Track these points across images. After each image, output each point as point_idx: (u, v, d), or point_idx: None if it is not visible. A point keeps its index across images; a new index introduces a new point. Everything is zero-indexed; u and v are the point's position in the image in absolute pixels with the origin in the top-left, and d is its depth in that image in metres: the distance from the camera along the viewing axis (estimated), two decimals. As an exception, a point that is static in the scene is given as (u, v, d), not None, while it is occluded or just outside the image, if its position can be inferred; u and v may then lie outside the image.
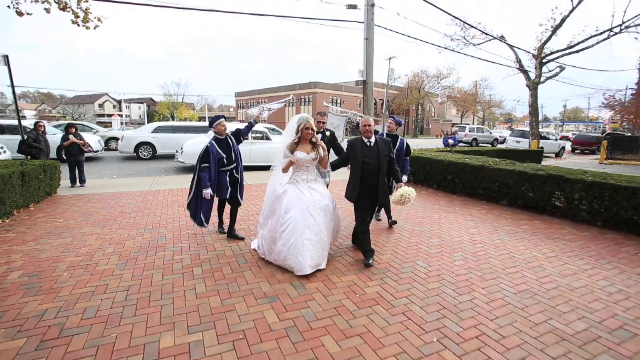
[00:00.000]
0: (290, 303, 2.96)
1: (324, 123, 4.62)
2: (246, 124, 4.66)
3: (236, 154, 4.37)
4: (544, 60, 15.87)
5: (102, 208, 5.99)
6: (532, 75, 16.25)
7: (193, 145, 10.51)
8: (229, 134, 4.36)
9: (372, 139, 3.78)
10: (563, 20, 14.89)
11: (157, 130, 13.76)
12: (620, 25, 13.76)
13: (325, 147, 3.74)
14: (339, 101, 43.40)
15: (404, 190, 3.74)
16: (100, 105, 66.19)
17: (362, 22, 9.81)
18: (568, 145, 25.32)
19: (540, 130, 18.40)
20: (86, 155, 8.25)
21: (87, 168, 8.96)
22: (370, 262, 3.74)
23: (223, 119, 4.27)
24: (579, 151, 24.56)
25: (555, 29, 15.00)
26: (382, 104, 39.51)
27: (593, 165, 15.96)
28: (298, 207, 3.48)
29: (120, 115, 46.91)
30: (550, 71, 16.81)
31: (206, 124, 15.71)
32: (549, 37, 15.32)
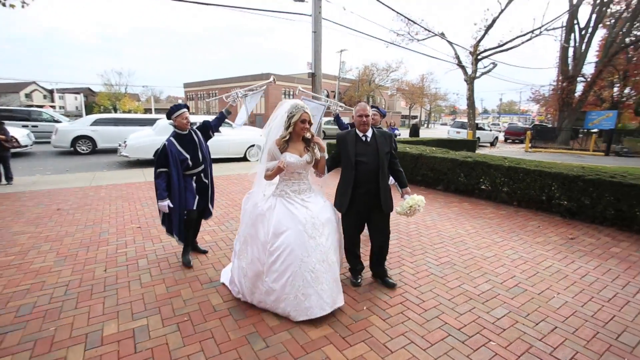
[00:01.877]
0: (235, 286, 3.14)
1: None
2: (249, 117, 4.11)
3: (204, 154, 3.51)
4: (479, 57, 17.26)
5: (35, 206, 5.63)
6: (469, 71, 17.61)
7: (138, 139, 10.05)
8: (194, 128, 3.54)
9: (369, 133, 3.02)
10: (494, 21, 16.30)
11: (97, 122, 12.87)
12: (540, 28, 15.41)
13: (323, 145, 2.82)
14: (291, 93, 43.33)
15: (413, 201, 2.95)
16: (28, 95, 59.38)
17: (310, 15, 9.98)
18: (501, 136, 27.84)
19: (478, 121, 20.02)
20: (13, 150, 7.58)
21: (15, 164, 8.24)
22: (357, 281, 3.21)
23: (185, 110, 3.36)
24: (510, 140, 27.13)
25: (488, 29, 16.39)
26: (334, 96, 40.14)
27: (519, 153, 17.80)
28: (292, 228, 2.55)
29: (53, 107, 42.56)
30: (485, 67, 18.32)
31: (153, 116, 14.98)
32: (482, 36, 16.70)
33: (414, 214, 2.98)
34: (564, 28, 20.14)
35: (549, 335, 2.53)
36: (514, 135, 27.03)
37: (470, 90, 17.89)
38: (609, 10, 20.30)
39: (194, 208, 3.47)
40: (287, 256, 2.53)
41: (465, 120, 24.97)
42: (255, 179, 2.86)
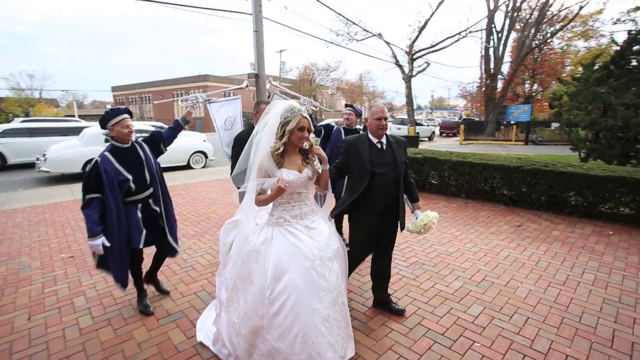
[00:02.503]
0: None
1: None
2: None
3: (153, 174, 2.70)
4: (414, 57, 18.22)
5: None
6: (406, 70, 18.50)
7: (61, 151, 8.76)
8: (139, 140, 2.74)
9: (384, 139, 2.61)
10: (426, 23, 17.34)
11: (5, 133, 11.02)
12: (465, 30, 16.76)
13: (324, 156, 2.19)
14: (231, 94, 41.90)
15: (428, 218, 2.54)
16: None
17: (251, 14, 9.56)
18: (437, 130, 29.89)
19: (415, 117, 21.17)
20: None
21: None
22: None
23: (127, 117, 2.58)
24: (445, 134, 29.20)
25: (421, 30, 17.39)
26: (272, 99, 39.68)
27: (456, 146, 19.16)
28: (297, 267, 1.98)
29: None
30: (419, 66, 19.39)
31: (76, 123, 13.24)
32: (416, 37, 17.67)
33: (427, 231, 2.58)
34: (484, 31, 22.15)
35: (525, 328, 2.61)
36: (448, 129, 29.12)
37: (408, 88, 18.80)
38: (518, 16, 22.76)
39: (141, 246, 2.65)
40: (294, 305, 1.92)
41: (403, 116, 26.32)
42: (243, 204, 2.15)
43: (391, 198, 2.57)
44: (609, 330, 2.59)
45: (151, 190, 2.71)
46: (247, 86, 3.56)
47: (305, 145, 2.11)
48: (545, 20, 21.80)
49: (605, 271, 3.55)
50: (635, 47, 9.51)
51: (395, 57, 18.29)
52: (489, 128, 23.42)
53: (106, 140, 9.21)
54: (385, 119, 2.55)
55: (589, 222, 5.14)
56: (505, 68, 24.99)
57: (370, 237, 2.63)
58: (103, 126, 2.60)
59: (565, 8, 20.83)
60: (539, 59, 27.05)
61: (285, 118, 2.04)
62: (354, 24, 15.95)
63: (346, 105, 4.10)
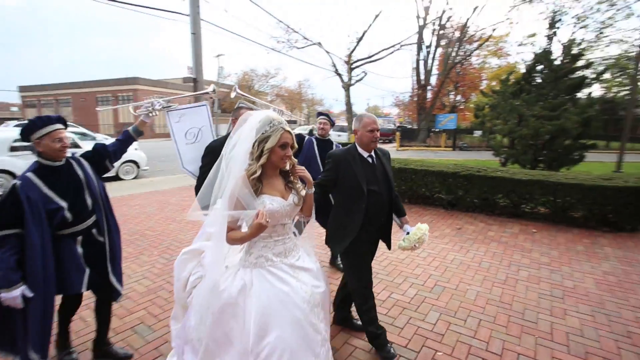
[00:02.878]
0: None
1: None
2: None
3: (96, 197, 2.12)
4: (353, 67, 18.91)
5: None
6: (345, 78, 19.11)
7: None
8: (76, 156, 2.17)
9: (373, 152, 2.36)
10: (364, 34, 18.15)
11: None
12: (399, 43, 17.91)
13: (309, 177, 1.79)
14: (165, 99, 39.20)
15: (421, 231, 2.31)
16: None
17: (188, 15, 9.01)
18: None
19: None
20: None
21: None
22: (392, 351, 2.35)
23: (60, 127, 2.00)
24: (381, 141, 30.76)
25: (359, 41, 18.15)
26: (213, 103, 38.17)
27: (392, 151, 20.19)
28: (287, 319, 1.59)
29: None
30: (357, 75, 20.17)
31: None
32: (354, 47, 18.39)
33: (421, 245, 2.34)
34: (415, 45, 23.88)
35: (479, 330, 2.71)
36: (384, 136, 30.66)
37: (348, 96, 19.42)
38: (444, 34, 24.98)
39: (83, 290, 2.05)
40: None
41: (342, 123, 27.12)
42: (211, 241, 1.76)
43: (385, 217, 2.38)
44: (547, 323, 2.81)
45: (94, 218, 2.11)
46: (214, 91, 2.97)
47: (287, 165, 1.73)
48: (466, 39, 24.23)
49: (536, 267, 3.92)
50: (538, 67, 10.96)
51: (334, 66, 18.82)
52: (421, 135, 25.20)
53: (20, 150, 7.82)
54: (378, 130, 2.29)
55: (516, 221, 5.69)
56: (434, 80, 27.19)
57: (368, 262, 2.40)
58: (26, 138, 1.97)
59: (481, 29, 23.39)
60: (461, 73, 29.98)
61: (263, 133, 1.62)
62: (295, 31, 16.05)
63: (320, 114, 3.68)
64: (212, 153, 2.41)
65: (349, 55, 18.64)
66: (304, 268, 1.74)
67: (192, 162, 2.93)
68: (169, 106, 2.71)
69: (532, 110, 9.85)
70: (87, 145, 9.22)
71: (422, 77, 25.43)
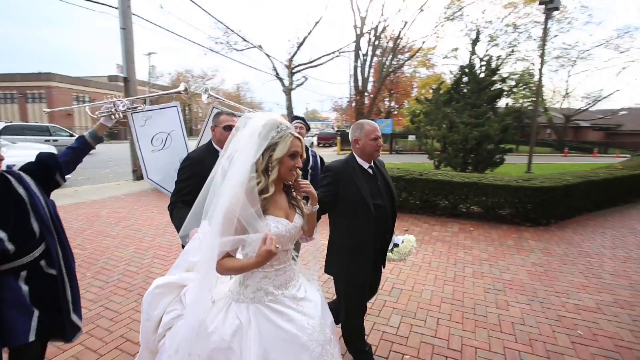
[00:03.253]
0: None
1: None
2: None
3: (44, 220, 1.67)
4: (294, 71, 18.96)
5: None
6: (286, 83, 19.08)
7: None
8: (14, 170, 1.67)
9: (372, 163, 2.22)
10: (304, 40, 18.33)
11: None
12: (338, 50, 18.43)
13: (314, 192, 1.58)
14: (87, 99, 35.23)
15: (410, 244, 2.31)
16: None
17: (117, 8, 8.18)
18: (315, 140, 31.88)
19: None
20: None
21: None
22: None
23: None
24: (322, 144, 31.34)
25: (299, 46, 18.28)
26: (144, 104, 35.30)
27: (334, 155, 20.66)
28: None
29: None
30: (297, 80, 20.28)
31: None
32: (295, 52, 18.47)
33: (408, 258, 2.31)
34: (353, 52, 24.75)
35: (439, 329, 2.85)
36: (325, 140, 31.34)
37: (289, 100, 19.40)
38: (379, 43, 26.34)
39: (32, 338, 1.56)
40: None
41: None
42: (196, 270, 1.51)
43: (388, 233, 2.23)
44: (495, 316, 3.07)
45: (42, 247, 1.66)
46: (186, 90, 2.52)
47: (293, 180, 1.47)
48: (398, 49, 25.86)
49: (478, 263, 4.27)
50: (464, 79, 12.12)
51: (275, 69, 18.66)
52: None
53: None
54: (381, 137, 2.15)
55: (455, 221, 6.17)
56: (371, 87, 28.50)
57: (367, 281, 2.19)
58: None
59: (412, 41, 25.20)
60: (394, 81, 31.93)
61: (271, 141, 1.35)
62: (234, 32, 15.56)
63: (295, 118, 3.35)
64: (193, 165, 2.12)
65: (290, 60, 18.69)
66: (307, 299, 1.48)
67: (158, 172, 2.54)
68: (135, 107, 2.31)
69: (461, 118, 10.85)
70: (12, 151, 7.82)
71: (360, 83, 26.49)
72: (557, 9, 11.35)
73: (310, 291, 1.54)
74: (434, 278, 3.82)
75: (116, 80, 36.42)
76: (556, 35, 23.91)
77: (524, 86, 26.30)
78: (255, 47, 17.28)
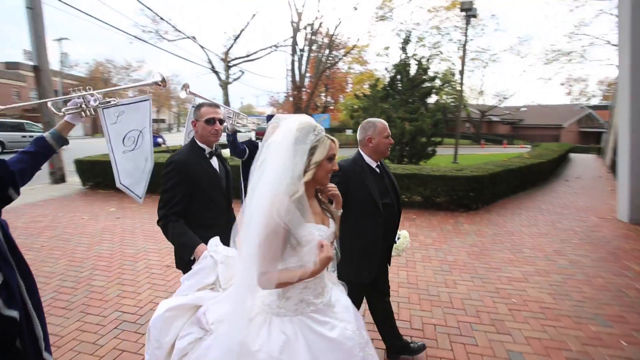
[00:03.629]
0: None
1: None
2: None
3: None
4: (230, 64, 18.28)
5: None
6: (223, 76, 18.32)
7: None
8: None
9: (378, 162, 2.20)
10: (241, 32, 17.73)
11: None
12: (276, 45, 18.25)
13: (339, 195, 1.55)
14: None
15: (406, 239, 2.37)
16: None
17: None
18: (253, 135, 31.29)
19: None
20: None
21: None
22: None
23: None
24: (260, 139, 30.74)
25: (236, 39, 17.62)
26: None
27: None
28: None
29: None
30: (234, 74, 19.61)
31: None
32: (231, 45, 17.79)
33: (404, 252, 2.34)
34: (291, 47, 24.68)
35: (400, 312, 3.06)
36: (262, 135, 30.87)
37: (226, 94, 18.68)
38: (315, 40, 26.65)
39: None
40: None
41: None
42: (233, 287, 1.39)
43: (394, 230, 2.26)
44: (446, 294, 3.39)
45: None
46: (163, 80, 2.07)
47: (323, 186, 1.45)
48: (334, 46, 26.46)
49: (424, 248, 4.65)
50: (399, 76, 12.91)
51: (211, 62, 17.79)
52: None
53: None
54: (390, 134, 2.15)
55: (399, 210, 6.59)
56: (308, 82, 28.74)
57: (374, 278, 2.18)
58: None
59: (347, 38, 25.97)
60: (330, 77, 32.63)
61: (314, 140, 1.30)
62: (164, 20, 14.41)
63: (270, 117, 3.23)
64: (178, 171, 1.89)
65: (226, 53, 17.95)
66: (339, 303, 1.46)
67: (129, 175, 2.22)
68: (107, 102, 1.96)
69: (398, 113, 11.55)
70: None
71: (297, 78, 26.56)
72: (475, 16, 12.64)
73: (338, 293, 1.52)
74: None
75: (16, 68, 31.40)
76: (472, 39, 26.69)
77: (447, 84, 28.89)
78: (188, 37, 16.24)
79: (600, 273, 3.93)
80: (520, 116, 42.33)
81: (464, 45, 13.21)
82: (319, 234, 1.31)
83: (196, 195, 1.91)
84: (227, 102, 18.72)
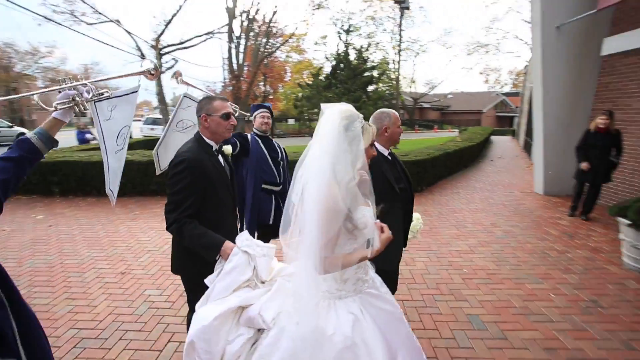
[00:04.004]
0: None
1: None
2: None
3: None
4: (162, 52, 16.90)
5: None
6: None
7: None
8: None
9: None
10: (173, 17, 16.40)
11: None
12: (212, 32, 17.28)
13: (369, 182, 1.54)
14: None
15: (419, 222, 2.37)
16: None
17: None
18: (192, 129, 29.62)
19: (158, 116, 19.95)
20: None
21: None
22: None
23: None
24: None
25: (168, 24, 16.28)
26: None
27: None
28: (403, 338, 1.48)
29: None
30: (167, 62, 18.21)
31: None
32: (162, 31, 16.39)
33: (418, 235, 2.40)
34: (227, 34, 23.53)
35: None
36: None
37: (159, 85, 17.34)
38: (252, 27, 25.77)
39: None
40: None
41: (156, 115, 24.12)
42: (297, 278, 1.41)
43: (411, 212, 2.30)
44: (408, 271, 3.66)
45: None
46: (155, 68, 1.75)
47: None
48: (273, 34, 25.87)
49: (381, 231, 4.92)
50: (340, 65, 13.18)
51: (140, 49, 16.25)
52: (240, 124, 25.57)
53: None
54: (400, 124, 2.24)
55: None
56: (246, 71, 27.81)
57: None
58: None
59: (285, 26, 25.56)
60: (269, 65, 31.97)
61: (355, 129, 1.33)
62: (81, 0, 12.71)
63: (259, 107, 3.06)
64: (192, 169, 1.70)
65: (157, 39, 16.51)
66: (377, 279, 1.59)
67: (115, 177, 1.93)
68: (100, 94, 1.65)
69: (342, 101, 11.83)
70: None
71: (236, 67, 25.57)
72: (408, 8, 13.31)
73: (372, 272, 1.60)
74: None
75: None
76: (404, 30, 28.09)
77: (382, 73, 30.15)
78: (111, 21, 14.58)
79: (528, 239, 4.56)
80: (447, 102, 45.95)
81: (400, 35, 13.89)
82: (370, 215, 1.38)
83: (207, 196, 1.77)
84: (160, 93, 17.39)
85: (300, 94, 15.06)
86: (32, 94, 1.55)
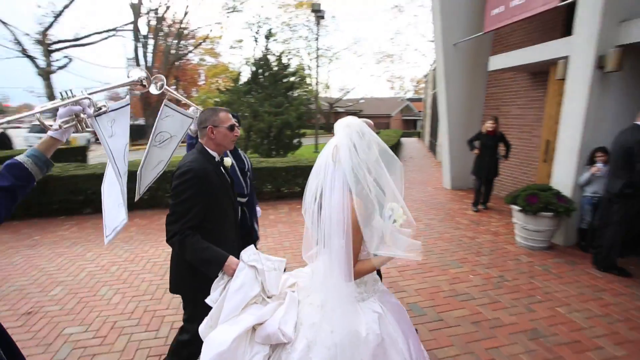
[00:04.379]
0: None
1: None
2: None
3: None
4: (52, 49, 14.54)
5: None
6: (43, 63, 14.43)
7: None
8: None
9: None
10: (64, 9, 14.15)
11: None
12: (115, 29, 15.50)
13: None
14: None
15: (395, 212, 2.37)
16: None
17: None
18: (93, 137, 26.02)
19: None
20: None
21: None
22: None
23: None
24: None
25: (57, 16, 13.99)
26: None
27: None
28: (408, 325, 1.62)
29: None
30: (57, 60, 15.76)
31: None
32: (51, 24, 14.04)
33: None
34: (132, 32, 21.34)
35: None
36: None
37: (49, 86, 14.90)
38: (161, 27, 23.87)
39: None
40: None
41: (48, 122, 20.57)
42: (330, 291, 1.45)
43: None
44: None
45: None
46: (148, 79, 1.63)
47: None
48: (185, 35, 24.36)
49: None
50: (260, 70, 13.08)
51: (21, 44, 13.69)
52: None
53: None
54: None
55: (283, 202, 6.88)
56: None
57: None
58: None
59: (198, 28, 24.29)
60: (181, 68, 30.01)
61: (366, 139, 1.47)
62: None
63: (233, 114, 2.62)
64: (197, 179, 1.68)
65: (44, 33, 14.09)
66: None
67: (123, 207, 1.63)
68: (99, 108, 1.41)
69: (264, 107, 11.75)
70: None
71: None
72: (323, 17, 13.90)
73: None
74: (292, 256, 4.29)
75: None
76: (317, 37, 29.14)
77: (302, 78, 30.79)
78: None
79: (446, 230, 5.19)
80: (360, 107, 49.04)
81: (317, 42, 14.41)
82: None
83: (210, 208, 1.73)
84: (51, 95, 14.88)
85: (217, 99, 14.46)
86: (34, 112, 1.26)
